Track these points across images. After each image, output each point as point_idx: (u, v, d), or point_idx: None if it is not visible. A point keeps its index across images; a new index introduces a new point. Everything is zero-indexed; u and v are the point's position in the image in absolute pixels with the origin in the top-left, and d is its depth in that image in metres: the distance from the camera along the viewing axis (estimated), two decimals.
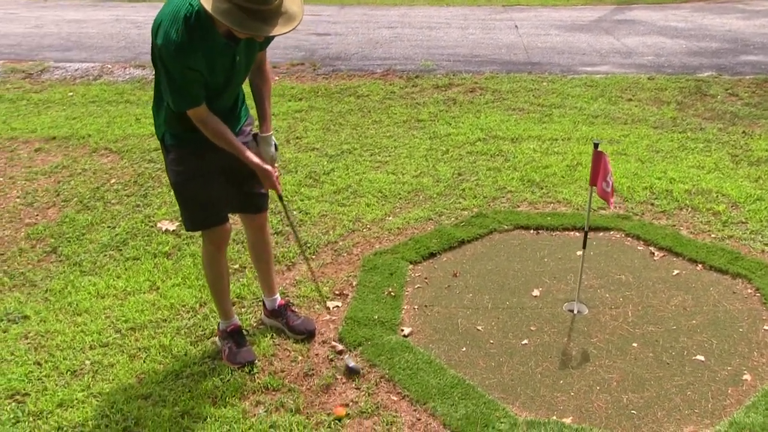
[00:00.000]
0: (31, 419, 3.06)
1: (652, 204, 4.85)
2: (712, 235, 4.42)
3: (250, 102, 3.27)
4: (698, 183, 5.11)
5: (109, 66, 9.48)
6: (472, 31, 11.06)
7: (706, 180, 5.17)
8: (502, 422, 2.89)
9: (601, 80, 7.93)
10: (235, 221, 3.86)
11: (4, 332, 3.74)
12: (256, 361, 3.35)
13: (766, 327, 3.53)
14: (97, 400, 3.16)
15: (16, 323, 3.82)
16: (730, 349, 3.37)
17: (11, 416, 3.08)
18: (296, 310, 3.70)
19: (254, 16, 2.59)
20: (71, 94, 8.46)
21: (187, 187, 3.09)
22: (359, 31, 11.37)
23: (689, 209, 4.75)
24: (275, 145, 3.21)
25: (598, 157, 3.36)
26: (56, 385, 3.28)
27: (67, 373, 3.37)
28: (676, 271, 4.05)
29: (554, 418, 2.95)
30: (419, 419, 2.97)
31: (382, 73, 8.77)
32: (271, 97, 3.23)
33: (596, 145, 3.35)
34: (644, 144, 5.97)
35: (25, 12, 13.74)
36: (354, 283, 4.01)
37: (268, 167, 3.08)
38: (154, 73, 2.91)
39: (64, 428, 2.99)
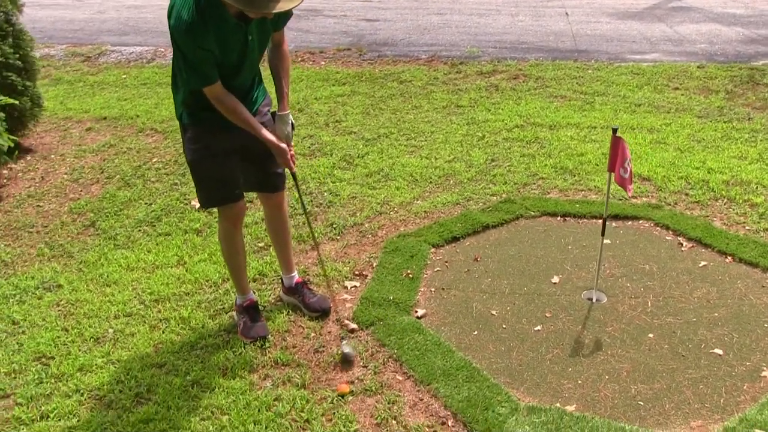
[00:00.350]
0: (52, 381, 3.23)
1: (687, 194, 4.73)
2: (747, 227, 4.28)
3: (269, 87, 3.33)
4: (738, 174, 4.95)
5: (162, 50, 9.72)
6: (521, 18, 10.90)
7: (747, 171, 5.00)
8: (503, 406, 2.89)
9: (648, 68, 7.72)
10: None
11: (39, 299, 3.93)
12: (269, 336, 3.43)
13: None
14: (115, 367, 3.29)
15: (51, 291, 4.01)
16: (751, 344, 3.28)
17: (35, 377, 3.25)
18: (313, 288, 3.76)
19: None
20: (125, 76, 8.73)
21: (202, 165, 3.17)
22: (408, 17, 11.34)
23: (725, 200, 4.62)
24: (292, 123, 3.25)
25: (616, 143, 3.30)
26: (79, 350, 3.44)
27: (90, 339, 3.53)
28: (703, 263, 3.94)
29: (557, 405, 2.93)
30: (421, 399, 2.99)
31: (427, 59, 8.74)
32: (289, 77, 3.27)
33: (614, 131, 3.29)
34: (685, 133, 5.81)
35: None
36: (374, 264, 4.05)
37: (283, 145, 3.14)
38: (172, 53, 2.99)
39: (81, 391, 3.14)
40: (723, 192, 4.70)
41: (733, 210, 4.49)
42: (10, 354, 3.43)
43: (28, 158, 6.13)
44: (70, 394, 3.12)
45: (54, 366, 3.31)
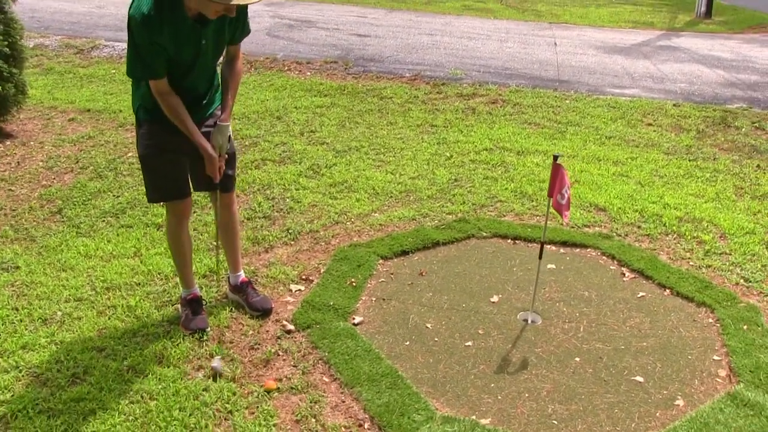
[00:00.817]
0: None
1: (639, 227, 4.86)
2: (691, 263, 4.41)
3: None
4: (692, 211, 5.09)
5: None
6: (510, 45, 11.10)
7: (701, 209, 5.14)
8: (419, 414, 3.00)
9: (625, 102, 7.90)
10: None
11: None
12: (209, 329, 3.53)
13: (715, 357, 3.52)
14: (57, 347, 3.40)
15: (7, 272, 4.12)
16: (672, 374, 3.39)
17: None
18: (258, 288, 3.87)
19: None
20: (114, 71, 8.87)
21: (153, 161, 3.29)
22: (399, 35, 11.53)
23: (675, 235, 4.75)
24: (229, 136, 3.32)
25: (556, 170, 3.44)
26: (26, 329, 3.55)
27: (38, 320, 3.63)
28: (641, 294, 4.07)
29: (473, 417, 3.03)
30: (343, 401, 3.10)
31: (410, 77, 8.91)
32: (236, 91, 3.38)
33: (555, 158, 3.43)
34: (649, 168, 5.96)
35: None
36: (322, 271, 4.16)
37: (213, 153, 3.23)
38: None
39: (20, 367, 3.25)
40: (674, 227, 4.84)
41: (681, 245, 4.62)
42: None
43: (7, 143, 6.24)
44: (9, 369, 3.22)
45: None
